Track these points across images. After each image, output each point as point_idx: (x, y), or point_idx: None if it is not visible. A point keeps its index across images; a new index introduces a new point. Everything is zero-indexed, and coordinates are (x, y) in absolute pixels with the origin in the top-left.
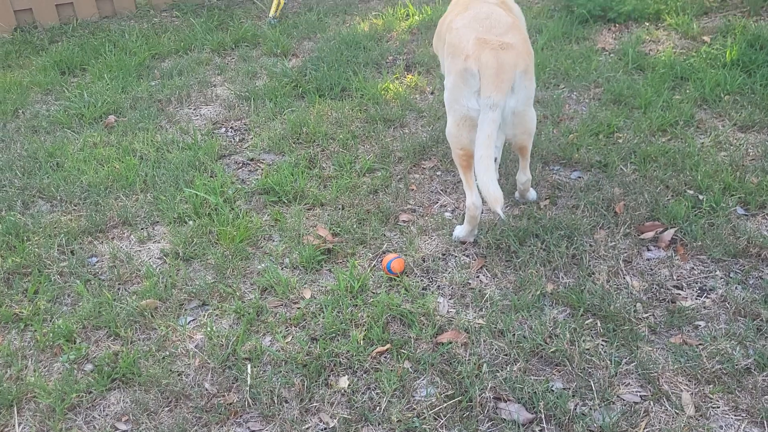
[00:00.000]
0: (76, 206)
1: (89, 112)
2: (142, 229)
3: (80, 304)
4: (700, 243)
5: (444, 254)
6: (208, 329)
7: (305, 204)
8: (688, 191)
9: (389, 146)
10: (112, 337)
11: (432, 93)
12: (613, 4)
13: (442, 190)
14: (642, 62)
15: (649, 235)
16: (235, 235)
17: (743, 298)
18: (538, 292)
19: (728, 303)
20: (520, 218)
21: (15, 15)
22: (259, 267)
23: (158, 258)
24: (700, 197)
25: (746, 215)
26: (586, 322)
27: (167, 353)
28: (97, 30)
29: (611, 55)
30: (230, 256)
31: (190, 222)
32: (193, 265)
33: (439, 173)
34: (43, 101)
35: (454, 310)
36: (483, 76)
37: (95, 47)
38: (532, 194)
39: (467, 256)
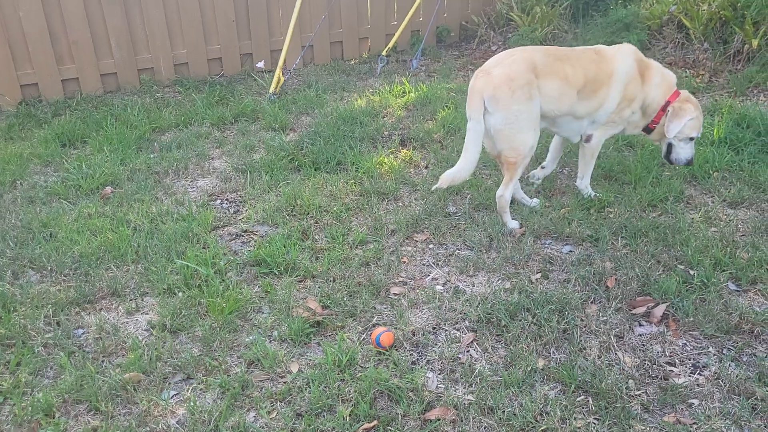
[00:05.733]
0: (65, 277)
1: (87, 184)
2: (130, 300)
3: (62, 377)
4: (692, 319)
5: (434, 328)
6: (191, 404)
7: (296, 276)
8: (679, 266)
9: (382, 219)
10: (92, 412)
11: (426, 167)
12: None
13: (433, 263)
14: (632, 140)
15: (641, 310)
16: (225, 306)
17: (737, 376)
18: (529, 368)
19: (722, 380)
20: (512, 292)
21: (21, 89)
22: (246, 340)
23: (145, 330)
24: (691, 272)
25: (738, 291)
26: (578, 399)
27: (147, 429)
28: (100, 104)
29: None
30: (218, 329)
31: (180, 293)
32: (180, 337)
33: (431, 246)
34: (42, 172)
35: (444, 386)
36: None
37: (97, 120)
38: (506, 219)
39: (458, 329)
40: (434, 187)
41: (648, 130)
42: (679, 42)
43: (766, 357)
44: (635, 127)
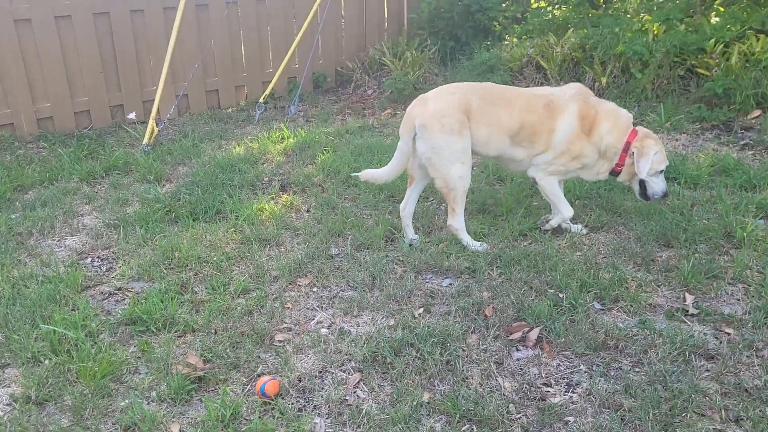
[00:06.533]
0: None
1: None
2: None
3: None
4: (563, 339)
5: (320, 372)
6: None
7: (176, 331)
8: (550, 290)
9: (264, 266)
10: None
11: (308, 211)
12: None
13: (318, 306)
14: (501, 173)
15: (517, 335)
16: (97, 371)
17: (606, 390)
18: (415, 402)
19: (593, 396)
20: (395, 328)
21: None
22: (122, 404)
23: (7, 404)
24: (561, 295)
25: (603, 309)
26: (462, 429)
27: None
28: None
29: (475, 168)
30: (90, 395)
31: (46, 361)
32: (48, 408)
33: (315, 289)
34: None
35: (332, 430)
36: None
37: None
38: (466, 242)
39: (344, 371)
40: (353, 174)
41: (614, 173)
42: (538, 81)
43: (630, 370)
44: (598, 174)
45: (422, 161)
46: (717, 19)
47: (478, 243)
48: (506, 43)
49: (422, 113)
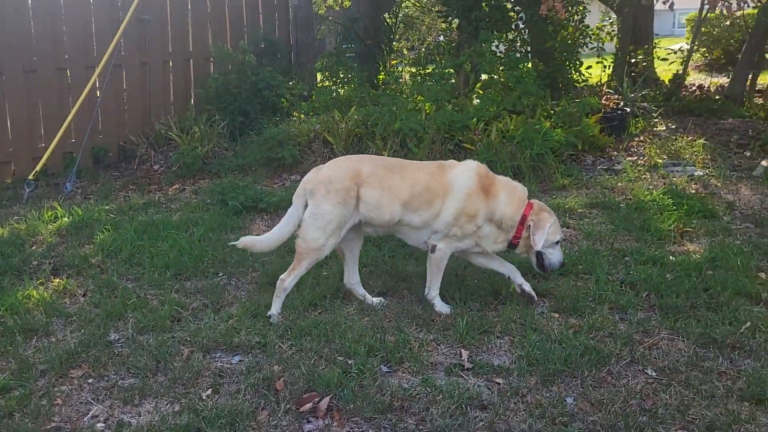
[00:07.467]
0: None
1: None
2: None
3: None
4: (352, 405)
5: None
6: None
7: None
8: (339, 358)
9: (30, 359)
10: None
11: (84, 295)
12: (263, 195)
13: (93, 399)
14: (292, 245)
15: (308, 406)
16: None
17: None
18: None
19: None
20: (181, 414)
21: None
22: None
23: None
24: (350, 362)
25: (389, 372)
26: None
27: None
28: None
29: None
30: None
31: None
32: None
33: (90, 381)
34: None
35: None
36: None
37: None
38: (276, 305)
39: None
40: (230, 243)
41: (512, 246)
42: (326, 155)
43: (415, 428)
44: (495, 243)
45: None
46: (478, 101)
47: (277, 312)
48: (294, 118)
49: (313, 179)
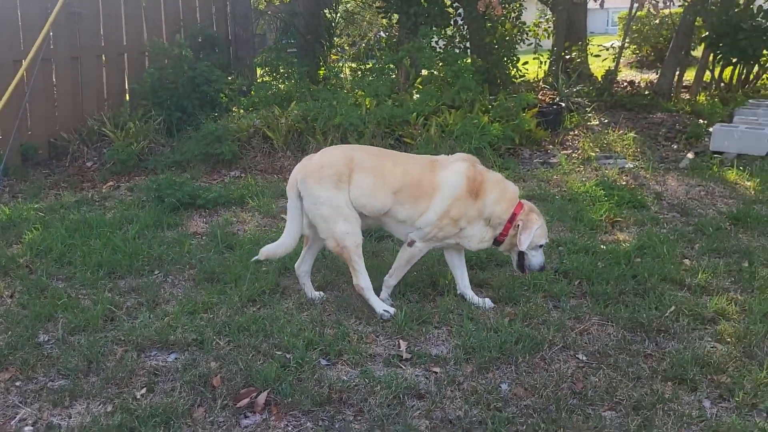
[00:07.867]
0: None
1: None
2: None
3: None
4: (290, 399)
5: None
6: None
7: None
8: (278, 352)
9: None
10: None
11: (11, 296)
12: (201, 192)
13: (21, 402)
14: (231, 241)
15: (245, 401)
16: None
17: None
18: None
19: None
20: (113, 414)
21: None
22: None
23: None
24: (288, 356)
25: (328, 364)
26: None
27: None
28: None
29: (203, 237)
30: None
31: None
32: None
33: (18, 383)
34: None
35: None
36: None
37: None
38: (374, 304)
39: None
40: (253, 258)
41: (497, 242)
42: (266, 151)
43: (353, 419)
44: (480, 242)
45: (309, 219)
46: (417, 96)
47: (389, 306)
48: (233, 114)
49: (304, 168)
